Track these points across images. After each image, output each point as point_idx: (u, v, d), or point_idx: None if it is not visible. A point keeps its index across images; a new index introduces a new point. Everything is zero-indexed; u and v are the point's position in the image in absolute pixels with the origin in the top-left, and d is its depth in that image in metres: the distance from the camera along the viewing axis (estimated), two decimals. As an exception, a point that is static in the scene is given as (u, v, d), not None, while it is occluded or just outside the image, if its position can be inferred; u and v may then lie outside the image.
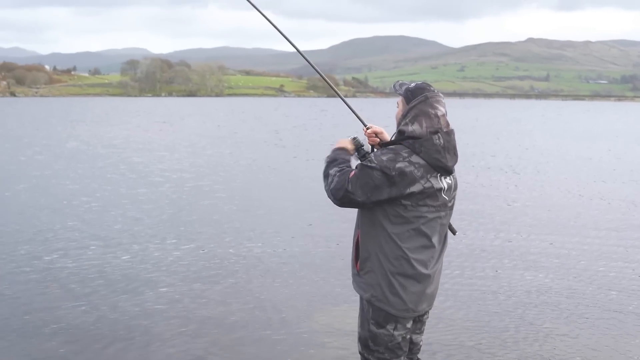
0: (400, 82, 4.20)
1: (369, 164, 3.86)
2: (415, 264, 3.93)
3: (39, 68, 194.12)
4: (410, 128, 3.91)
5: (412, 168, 3.81)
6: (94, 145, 28.20)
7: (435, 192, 3.92)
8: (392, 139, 4.10)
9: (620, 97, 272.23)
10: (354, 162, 4.21)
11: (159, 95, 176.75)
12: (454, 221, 4.22)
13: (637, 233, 11.97)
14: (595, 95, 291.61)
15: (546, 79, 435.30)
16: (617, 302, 8.04)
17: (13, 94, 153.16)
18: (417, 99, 3.95)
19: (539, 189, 17.38)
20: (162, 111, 71.45)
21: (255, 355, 6.30)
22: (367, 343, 4.10)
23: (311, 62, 4.61)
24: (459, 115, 67.56)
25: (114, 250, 10.35)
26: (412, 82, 4.15)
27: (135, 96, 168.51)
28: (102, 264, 9.52)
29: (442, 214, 4.03)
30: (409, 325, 4.10)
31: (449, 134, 3.96)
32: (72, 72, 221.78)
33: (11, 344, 6.50)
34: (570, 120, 64.70)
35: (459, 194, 4.15)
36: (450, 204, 4.07)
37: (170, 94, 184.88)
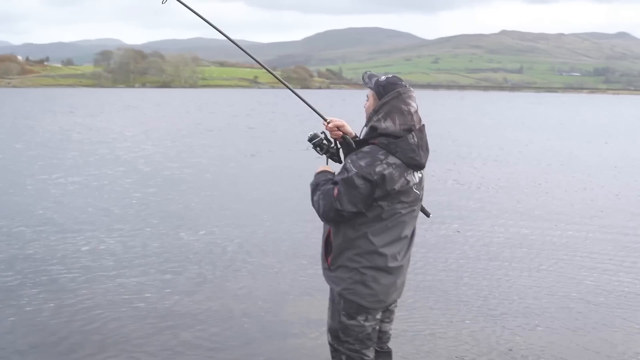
0: (369, 73, 4.21)
1: (348, 174, 3.87)
2: (387, 257, 4.01)
3: (11, 58, 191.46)
4: (383, 125, 3.94)
5: (390, 169, 3.85)
6: (65, 134, 27.93)
7: (410, 189, 4.00)
8: (364, 135, 4.13)
9: (593, 90, 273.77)
10: (322, 160, 4.28)
11: (132, 86, 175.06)
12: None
13: (598, 222, 12.20)
14: (568, 88, 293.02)
15: (519, 71, 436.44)
16: (579, 292, 8.20)
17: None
18: (389, 95, 3.96)
19: (504, 180, 17.54)
20: (135, 102, 70.75)
21: (226, 345, 6.33)
22: (338, 334, 4.17)
23: (255, 58, 4.62)
24: (434, 109, 67.43)
25: (74, 239, 10.35)
26: (382, 74, 4.16)
27: (109, 87, 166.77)
28: (63, 253, 9.53)
29: (414, 207, 4.13)
30: (378, 316, 4.19)
31: (422, 130, 4.03)
32: (45, 63, 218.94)
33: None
34: (540, 112, 64.92)
35: (425, 185, 4.20)
36: (420, 197, 4.16)
37: (144, 85, 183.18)
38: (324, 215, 3.99)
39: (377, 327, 4.22)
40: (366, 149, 3.96)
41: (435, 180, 16.25)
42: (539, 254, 9.91)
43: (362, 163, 3.85)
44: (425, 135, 4.04)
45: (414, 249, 4.26)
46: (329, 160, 4.40)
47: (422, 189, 4.15)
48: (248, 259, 9.42)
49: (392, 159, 3.87)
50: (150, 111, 52.14)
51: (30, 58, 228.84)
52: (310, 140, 4.34)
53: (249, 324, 6.89)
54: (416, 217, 4.18)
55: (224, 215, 12.32)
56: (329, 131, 4.29)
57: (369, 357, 4.20)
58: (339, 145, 4.36)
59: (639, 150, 26.60)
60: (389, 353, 4.55)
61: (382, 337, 4.43)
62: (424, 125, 4.05)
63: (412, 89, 4.04)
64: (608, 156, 24.10)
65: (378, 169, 3.82)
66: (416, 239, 4.30)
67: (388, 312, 4.38)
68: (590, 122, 49.18)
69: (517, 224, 11.93)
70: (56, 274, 8.46)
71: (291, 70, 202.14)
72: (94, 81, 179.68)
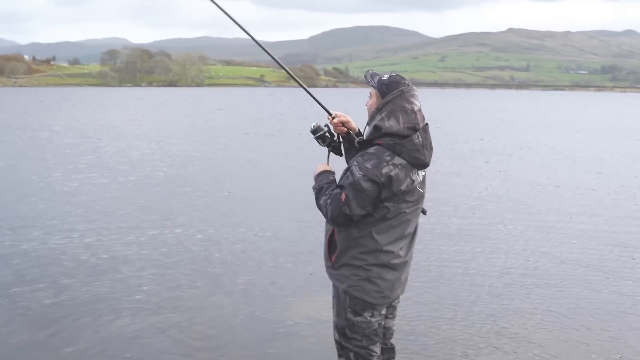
0: (372, 72, 4.18)
1: (354, 178, 3.85)
2: (392, 255, 4.02)
3: (18, 58, 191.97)
4: (387, 124, 3.92)
5: (397, 171, 3.84)
6: (64, 133, 27.98)
7: (414, 188, 4.00)
8: (368, 134, 4.11)
9: (600, 87, 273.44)
10: (322, 151, 4.26)
11: (139, 85, 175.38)
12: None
13: (596, 219, 12.15)
14: (575, 86, 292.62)
15: (526, 69, 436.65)
16: (577, 282, 8.17)
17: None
18: (392, 94, 3.93)
19: (504, 176, 17.51)
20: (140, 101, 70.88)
21: (226, 344, 6.30)
22: (345, 331, 4.17)
23: (271, 54, 4.56)
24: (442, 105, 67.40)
25: (71, 236, 10.35)
26: (385, 73, 4.14)
27: (115, 86, 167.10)
28: (60, 249, 9.54)
29: (418, 205, 4.14)
30: (384, 311, 4.20)
31: (426, 130, 4.01)
32: (52, 62, 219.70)
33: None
34: (548, 110, 64.82)
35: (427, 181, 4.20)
36: (423, 194, 4.16)
37: (150, 84, 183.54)
38: (332, 220, 3.97)
39: (382, 323, 4.23)
40: (372, 150, 3.94)
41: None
42: (541, 246, 9.88)
43: (369, 165, 3.84)
44: (429, 135, 4.03)
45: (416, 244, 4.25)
46: (331, 152, 4.39)
47: (425, 186, 4.15)
48: (248, 257, 9.39)
49: (397, 160, 3.86)
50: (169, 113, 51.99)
51: (37, 57, 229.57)
52: (313, 132, 4.32)
53: (250, 323, 6.87)
54: (418, 214, 4.18)
55: (224, 213, 12.31)
56: (333, 126, 4.29)
57: (376, 352, 4.20)
58: (341, 139, 4.35)
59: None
60: (392, 349, 4.57)
61: (386, 333, 4.44)
62: (427, 124, 4.04)
63: (414, 87, 4.03)
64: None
65: (384, 170, 3.81)
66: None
67: (391, 307, 4.39)
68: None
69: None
70: (53, 270, 8.48)
71: (297, 69, 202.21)
72: (101, 80, 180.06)
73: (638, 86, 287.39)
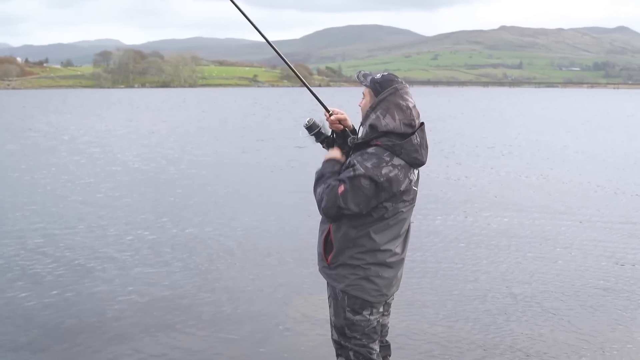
0: (364, 72, 4.17)
1: (355, 173, 3.83)
2: (389, 253, 4.02)
3: (10, 60, 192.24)
4: (383, 122, 3.90)
5: (396, 171, 3.83)
6: (60, 134, 27.97)
7: (411, 187, 4.00)
8: (363, 134, 4.08)
9: (593, 84, 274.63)
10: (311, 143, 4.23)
11: (132, 87, 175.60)
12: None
13: (579, 215, 12.17)
14: (568, 83, 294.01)
15: (519, 66, 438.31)
16: (562, 280, 8.15)
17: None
18: (386, 91, 3.91)
19: (491, 173, 17.51)
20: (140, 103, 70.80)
21: (225, 344, 6.27)
22: (344, 331, 4.15)
23: (274, 46, 4.53)
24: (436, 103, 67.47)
25: (64, 234, 10.36)
26: (377, 72, 4.13)
27: (108, 87, 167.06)
28: (51, 247, 9.54)
29: (413, 204, 4.14)
30: (381, 309, 4.21)
31: (422, 129, 4.01)
32: (45, 64, 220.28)
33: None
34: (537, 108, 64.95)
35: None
36: (416, 192, 4.15)
37: (143, 85, 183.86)
38: (324, 211, 3.93)
39: (380, 321, 4.22)
40: (371, 150, 3.91)
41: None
42: (527, 244, 9.90)
43: (368, 164, 3.81)
44: (425, 134, 4.03)
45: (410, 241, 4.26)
46: (325, 149, 4.35)
47: (418, 184, 4.15)
48: (246, 256, 9.35)
49: (397, 161, 3.85)
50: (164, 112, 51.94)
51: (30, 60, 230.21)
52: (307, 127, 4.28)
53: (248, 320, 6.83)
54: (412, 212, 4.18)
55: (224, 211, 12.28)
56: (330, 123, 4.25)
57: (376, 350, 4.19)
58: (334, 136, 4.31)
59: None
60: (388, 346, 4.55)
61: (382, 330, 4.41)
62: (423, 123, 4.03)
63: (407, 84, 4.01)
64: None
65: (384, 171, 3.80)
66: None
67: (386, 305, 4.37)
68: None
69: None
70: (48, 268, 8.47)
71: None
72: (94, 82, 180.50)
73: (630, 83, 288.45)
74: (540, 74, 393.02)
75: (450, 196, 13.94)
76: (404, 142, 3.85)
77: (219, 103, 71.44)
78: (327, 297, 4.28)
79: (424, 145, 3.96)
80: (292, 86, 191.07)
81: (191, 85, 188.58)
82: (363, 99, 4.07)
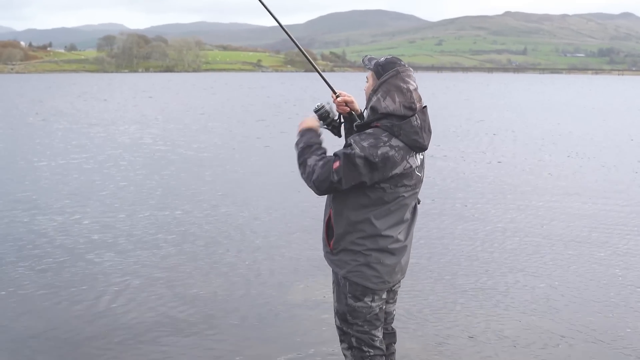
0: (369, 56, 4.16)
1: (352, 151, 3.81)
2: (390, 239, 4.03)
3: (14, 44, 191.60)
4: (383, 104, 3.90)
5: (393, 152, 3.82)
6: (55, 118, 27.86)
7: (412, 171, 3.98)
8: (365, 116, 4.10)
9: (597, 71, 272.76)
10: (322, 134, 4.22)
11: (136, 71, 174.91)
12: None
13: (576, 201, 12.18)
14: (572, 69, 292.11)
15: (524, 52, 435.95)
16: (580, 275, 8.23)
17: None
18: (388, 74, 3.89)
19: (488, 157, 17.56)
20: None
21: (225, 328, 6.26)
22: (346, 317, 4.16)
23: (286, 29, 4.52)
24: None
25: (62, 215, 10.46)
26: (382, 56, 4.11)
27: (112, 72, 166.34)
28: (47, 229, 9.61)
29: (417, 190, 4.13)
30: (384, 296, 4.19)
31: (424, 112, 3.99)
32: (48, 49, 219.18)
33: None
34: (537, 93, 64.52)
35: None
36: (422, 179, 4.15)
37: (147, 70, 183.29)
38: (315, 183, 3.89)
39: (383, 307, 4.22)
40: (369, 130, 3.92)
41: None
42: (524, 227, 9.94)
43: (365, 144, 3.79)
44: (428, 118, 4.00)
45: (416, 230, 4.27)
46: (330, 132, 4.30)
47: (423, 170, 4.15)
48: (248, 240, 9.35)
49: (395, 142, 3.83)
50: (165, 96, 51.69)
51: (33, 44, 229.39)
52: (315, 110, 4.24)
53: (249, 304, 6.84)
54: (416, 198, 4.17)
55: (224, 193, 12.32)
56: (336, 105, 4.24)
57: (378, 337, 4.19)
58: (342, 120, 4.30)
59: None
60: (393, 333, 4.56)
61: (387, 317, 4.42)
62: (426, 106, 4.01)
63: (410, 68, 4.00)
64: None
65: (380, 151, 3.78)
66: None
67: (392, 292, 4.37)
68: None
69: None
70: (46, 257, 8.39)
71: (294, 54, 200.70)
72: (98, 66, 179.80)
73: (635, 69, 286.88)
74: (545, 60, 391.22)
75: (448, 181, 14.01)
76: (403, 122, 3.84)
77: (244, 89, 70.82)
78: (325, 282, 4.28)
79: (425, 129, 3.92)
80: (297, 71, 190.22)
81: (195, 70, 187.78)
82: (367, 82, 4.08)
